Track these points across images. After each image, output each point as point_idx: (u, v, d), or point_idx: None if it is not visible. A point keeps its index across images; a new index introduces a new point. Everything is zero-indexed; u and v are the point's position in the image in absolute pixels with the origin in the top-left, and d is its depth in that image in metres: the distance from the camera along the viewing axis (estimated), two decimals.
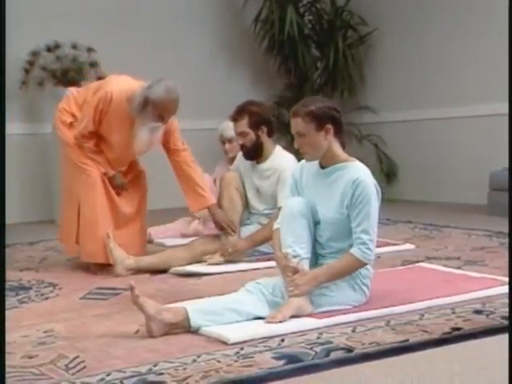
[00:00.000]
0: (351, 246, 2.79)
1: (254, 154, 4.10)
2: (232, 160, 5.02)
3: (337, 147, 2.88)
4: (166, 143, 4.09)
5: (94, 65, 6.28)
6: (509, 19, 5.50)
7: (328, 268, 2.78)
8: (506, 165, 5.65)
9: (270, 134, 4.08)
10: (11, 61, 5.61)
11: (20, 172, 6.41)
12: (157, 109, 3.75)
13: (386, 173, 7.22)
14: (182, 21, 7.18)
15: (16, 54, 5.96)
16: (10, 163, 5.52)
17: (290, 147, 5.94)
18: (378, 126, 7.43)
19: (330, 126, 2.83)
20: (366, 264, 2.78)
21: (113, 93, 3.88)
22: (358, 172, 2.82)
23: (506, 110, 5.73)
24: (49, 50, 6.26)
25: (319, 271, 2.76)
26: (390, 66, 7.41)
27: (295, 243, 2.79)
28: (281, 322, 2.60)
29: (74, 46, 6.32)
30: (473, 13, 6.58)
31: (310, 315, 2.69)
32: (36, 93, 6.31)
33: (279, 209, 3.93)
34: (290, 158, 4.10)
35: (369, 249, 2.75)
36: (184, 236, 4.89)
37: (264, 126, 4.04)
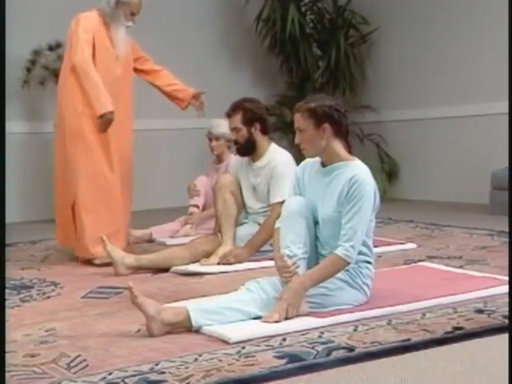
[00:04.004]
0: None
1: (247, 150, 4.12)
2: (219, 158, 5.06)
3: (338, 146, 2.85)
4: (144, 68, 4.61)
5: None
6: (509, 19, 5.50)
7: (312, 272, 2.74)
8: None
9: (263, 132, 4.09)
10: (13, 60, 5.62)
11: (21, 171, 6.41)
12: (128, 7, 4.27)
13: (388, 172, 7.22)
14: (184, 20, 7.18)
15: (18, 53, 5.97)
16: (11, 162, 5.53)
17: (291, 147, 5.95)
18: (380, 125, 7.42)
19: (327, 126, 2.81)
20: (349, 263, 2.73)
21: (85, 14, 4.30)
22: (357, 170, 2.80)
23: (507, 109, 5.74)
24: (50, 49, 6.27)
25: (303, 277, 2.72)
26: (392, 65, 7.41)
27: (293, 243, 2.80)
28: (277, 322, 2.59)
29: None
30: (474, 12, 6.57)
31: (309, 314, 2.69)
32: (38, 92, 6.31)
33: (273, 206, 3.95)
34: (284, 154, 4.11)
35: (352, 247, 2.70)
36: (172, 237, 4.90)
37: (257, 122, 4.05)
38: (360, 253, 2.80)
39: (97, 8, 4.31)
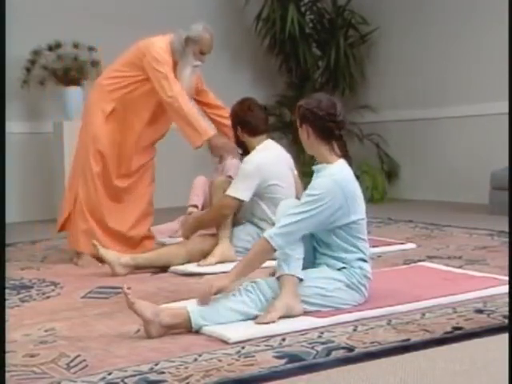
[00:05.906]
0: (335, 251, 2.79)
1: (241, 150, 4.18)
2: (220, 158, 5.05)
3: (323, 148, 2.82)
4: (205, 100, 4.48)
5: (95, 64, 6.28)
6: (509, 19, 5.50)
7: (243, 258, 2.81)
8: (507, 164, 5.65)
9: (248, 134, 4.08)
10: (13, 60, 5.62)
11: (21, 171, 6.41)
12: (198, 45, 4.13)
13: (388, 172, 7.21)
14: (183, 19, 7.08)
15: (17, 53, 5.97)
16: (11, 162, 5.53)
17: (291, 146, 5.95)
18: (379, 125, 7.42)
19: (306, 127, 2.81)
20: (273, 247, 2.67)
21: (161, 45, 4.12)
22: (323, 173, 2.79)
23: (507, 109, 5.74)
24: (50, 49, 6.27)
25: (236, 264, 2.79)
26: (392, 65, 7.41)
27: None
28: (269, 323, 2.58)
29: (76, 45, 6.33)
30: (474, 12, 6.58)
31: (309, 314, 2.69)
32: (37, 92, 6.31)
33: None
34: (259, 154, 4.03)
35: (276, 227, 2.68)
36: (172, 237, 4.90)
37: (239, 126, 4.08)
38: (351, 252, 2.80)
39: (170, 41, 4.16)
